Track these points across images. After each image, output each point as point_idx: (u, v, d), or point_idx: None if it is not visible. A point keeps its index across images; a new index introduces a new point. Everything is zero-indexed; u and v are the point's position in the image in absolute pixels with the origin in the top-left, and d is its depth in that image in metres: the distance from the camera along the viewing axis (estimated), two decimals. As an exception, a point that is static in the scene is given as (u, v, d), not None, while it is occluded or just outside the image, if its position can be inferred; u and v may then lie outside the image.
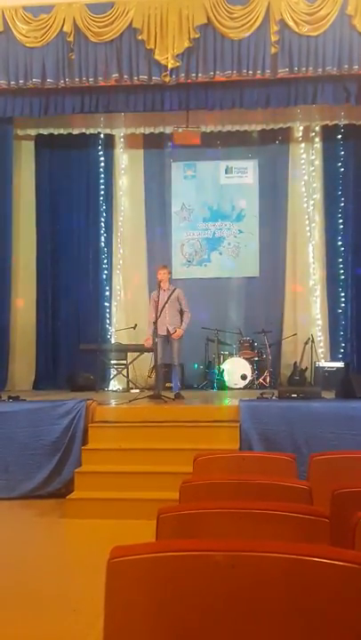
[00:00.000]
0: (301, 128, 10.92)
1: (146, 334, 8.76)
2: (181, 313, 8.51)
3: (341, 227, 10.76)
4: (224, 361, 10.15)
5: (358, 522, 2.10)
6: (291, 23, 8.19)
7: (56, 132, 10.78)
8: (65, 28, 8.41)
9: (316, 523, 2.20)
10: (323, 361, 10.33)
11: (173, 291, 8.53)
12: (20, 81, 8.64)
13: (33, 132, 10.87)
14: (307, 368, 10.16)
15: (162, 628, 1.63)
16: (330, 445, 6.20)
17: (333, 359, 10.41)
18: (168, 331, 8.41)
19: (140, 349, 9.72)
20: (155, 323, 8.30)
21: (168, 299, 8.38)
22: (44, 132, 10.80)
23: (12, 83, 8.70)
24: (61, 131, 10.77)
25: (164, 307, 8.34)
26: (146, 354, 9.73)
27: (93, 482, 6.57)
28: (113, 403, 8.15)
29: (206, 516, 2.30)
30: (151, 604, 1.65)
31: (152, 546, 1.85)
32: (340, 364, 10.04)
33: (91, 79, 8.53)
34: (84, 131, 10.85)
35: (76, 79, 8.54)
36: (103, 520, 5.91)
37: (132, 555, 1.70)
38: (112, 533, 5.45)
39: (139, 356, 10.04)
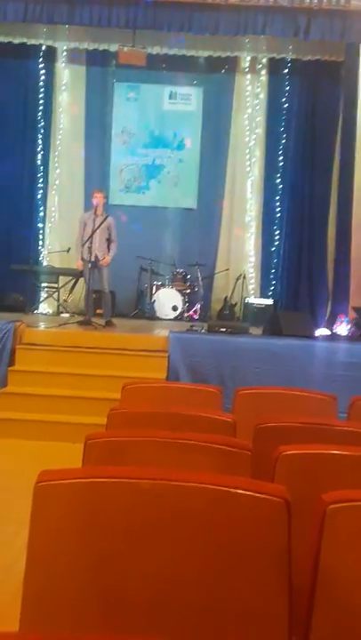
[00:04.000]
0: (248, 59, 10.75)
1: (75, 256, 8.63)
2: (109, 241, 8.45)
3: (281, 164, 10.76)
4: (156, 291, 10.17)
5: (279, 456, 2.19)
6: None
7: (-4, 39, 10.26)
8: None
9: (239, 455, 2.27)
10: (252, 297, 10.49)
11: (106, 218, 8.42)
12: None
13: (-30, 38, 10.31)
14: (237, 303, 10.31)
15: (85, 552, 1.68)
16: (254, 380, 6.38)
17: (263, 296, 10.58)
18: (97, 257, 8.35)
19: (73, 273, 9.63)
20: (90, 247, 8.21)
21: (100, 225, 8.28)
22: (-18, 38, 10.26)
23: None
24: (1, 38, 10.24)
25: (95, 232, 8.24)
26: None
27: (18, 403, 6.56)
28: (42, 325, 8.09)
29: (133, 444, 2.34)
30: (76, 527, 1.69)
31: (80, 471, 1.88)
32: (269, 302, 10.23)
33: (36, -14, 8.12)
34: (25, 40, 10.36)
35: (21, -15, 8.11)
36: (27, 441, 5.95)
37: (59, 479, 1.72)
38: (36, 454, 5.50)
39: (71, 280, 9.94)
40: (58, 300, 10.10)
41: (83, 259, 8.34)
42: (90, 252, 8.25)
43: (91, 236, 8.19)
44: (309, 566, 1.65)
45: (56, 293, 10.14)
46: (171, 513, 1.66)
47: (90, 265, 8.31)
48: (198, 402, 3.57)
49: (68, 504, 1.71)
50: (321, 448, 2.30)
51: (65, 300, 9.87)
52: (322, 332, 8.51)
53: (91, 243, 8.22)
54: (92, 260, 8.31)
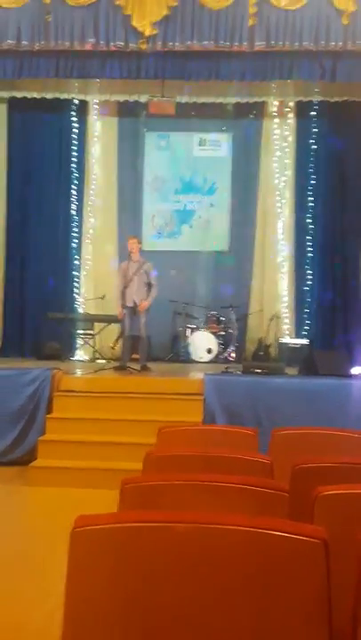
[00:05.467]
0: (276, 103, 10.89)
1: (117, 305, 8.70)
2: (149, 286, 8.52)
3: (312, 204, 10.80)
4: (191, 334, 10.19)
5: (317, 496, 2.16)
6: (270, -5, 8.12)
7: (29, 96, 10.58)
8: (42, -10, 8.23)
9: (276, 497, 2.25)
10: (287, 337, 10.43)
11: (143, 263, 8.52)
12: (-6, 42, 8.45)
13: (6, 95, 10.67)
14: (271, 344, 10.26)
15: (122, 597, 1.67)
16: (291, 421, 6.26)
17: (298, 336, 10.51)
18: (135, 302, 8.43)
19: (108, 320, 9.74)
20: (125, 293, 8.30)
21: (137, 270, 8.38)
22: (18, 94, 10.60)
23: (-14, 43, 8.50)
24: (35, 94, 10.57)
25: (132, 278, 8.34)
26: (113, 325, 9.74)
27: (57, 450, 6.59)
28: (79, 372, 8.16)
29: (169, 488, 2.33)
30: (113, 572, 1.68)
31: (116, 516, 1.88)
32: (304, 342, 10.15)
33: (67, 43, 8.38)
34: (57, 95, 10.68)
35: (52, 42, 8.37)
36: (65, 488, 5.95)
37: (95, 524, 1.73)
38: (73, 502, 5.49)
39: (106, 326, 10.04)
40: (94, 347, 10.18)
41: (122, 305, 8.41)
42: (125, 298, 8.34)
43: (129, 283, 8.29)
44: (350, 609, 1.61)
45: (92, 340, 10.23)
46: (208, 556, 1.65)
47: (125, 311, 8.39)
48: (234, 444, 3.55)
49: (104, 549, 1.71)
50: None
51: (112, 348, 9.91)
52: (359, 370, 8.39)
53: (128, 289, 8.31)
54: (130, 305, 8.39)
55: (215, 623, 1.61)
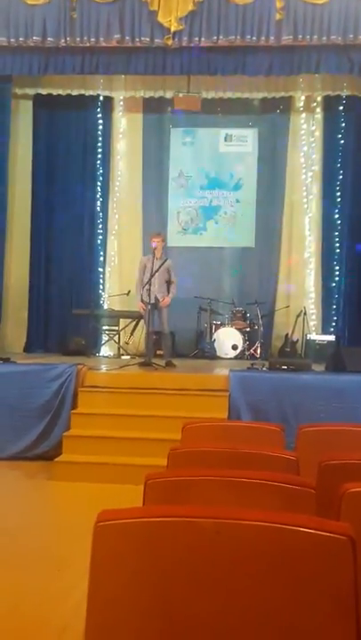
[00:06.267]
0: (303, 98, 10.81)
1: (136, 299, 8.70)
2: (168, 283, 8.52)
3: (339, 200, 10.70)
4: (216, 331, 10.16)
5: (345, 493, 2.12)
6: (296, -11, 8.05)
7: (55, 93, 10.63)
8: (67, -14, 8.26)
9: (303, 493, 2.22)
10: (314, 334, 10.36)
11: (165, 261, 8.52)
12: (21, 38, 8.49)
13: (31, 92, 10.72)
14: (298, 340, 10.19)
15: (145, 591, 1.65)
16: (318, 417, 6.25)
17: (325, 332, 10.44)
18: (157, 299, 8.42)
19: (133, 316, 9.73)
20: (148, 290, 8.29)
21: (159, 267, 8.37)
22: (43, 91, 10.65)
23: (12, 40, 8.54)
24: (60, 91, 10.61)
25: (154, 275, 8.33)
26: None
27: (81, 445, 6.60)
28: (103, 368, 8.16)
29: (193, 483, 2.31)
30: (136, 567, 1.67)
31: (139, 510, 1.86)
32: (332, 338, 10.07)
33: (92, 39, 8.39)
34: (83, 92, 10.70)
35: (77, 39, 8.39)
36: (90, 483, 5.96)
37: (119, 519, 1.71)
38: (98, 497, 5.49)
39: (131, 322, 10.05)
40: (118, 343, 10.20)
41: (142, 301, 8.42)
42: (149, 294, 8.33)
43: (150, 279, 8.28)
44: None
45: (117, 336, 10.24)
46: (232, 551, 1.62)
47: (149, 306, 8.39)
48: (260, 440, 3.52)
49: (127, 543, 1.70)
50: (388, 485, 2.22)
51: (126, 343, 9.94)
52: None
53: (150, 285, 8.30)
54: (152, 301, 8.39)
55: (239, 619, 1.58)
